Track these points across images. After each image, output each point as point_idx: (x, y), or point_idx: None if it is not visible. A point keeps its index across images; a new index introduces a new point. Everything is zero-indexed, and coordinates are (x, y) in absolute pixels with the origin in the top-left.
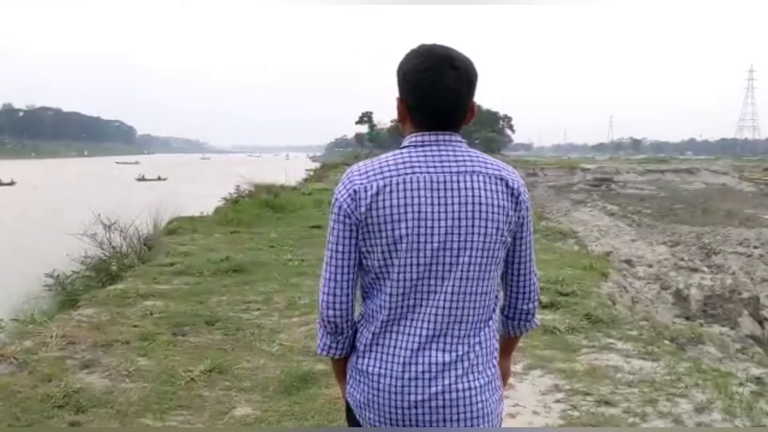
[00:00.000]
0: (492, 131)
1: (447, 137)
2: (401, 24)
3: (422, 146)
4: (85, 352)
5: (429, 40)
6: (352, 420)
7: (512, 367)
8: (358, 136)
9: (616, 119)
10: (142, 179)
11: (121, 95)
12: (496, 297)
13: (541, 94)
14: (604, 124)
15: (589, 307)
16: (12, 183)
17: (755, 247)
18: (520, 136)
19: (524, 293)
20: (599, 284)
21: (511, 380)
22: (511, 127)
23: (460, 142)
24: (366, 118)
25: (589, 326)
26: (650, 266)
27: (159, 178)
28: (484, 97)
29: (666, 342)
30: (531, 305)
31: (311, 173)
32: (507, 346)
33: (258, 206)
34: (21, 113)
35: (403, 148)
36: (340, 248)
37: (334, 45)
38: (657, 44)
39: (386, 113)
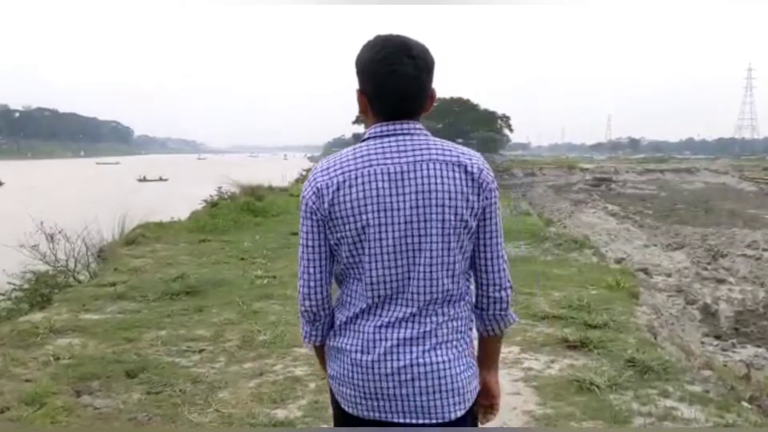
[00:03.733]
0: (490, 131)
1: (406, 126)
2: (402, 24)
3: (380, 137)
4: None
5: (427, 40)
6: (334, 408)
7: None
8: (356, 136)
9: (613, 119)
10: (143, 180)
11: (118, 96)
12: (468, 280)
13: (539, 93)
14: (601, 124)
15: (630, 346)
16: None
17: (764, 250)
18: (518, 135)
19: (494, 280)
20: (632, 309)
21: None
22: (509, 127)
23: (420, 130)
24: (363, 118)
25: (636, 378)
26: (669, 276)
27: (161, 179)
28: (482, 96)
29: (745, 404)
30: (503, 293)
31: (304, 173)
32: (488, 353)
33: (236, 210)
34: (17, 114)
35: (363, 141)
36: (310, 243)
37: (334, 45)
38: (655, 44)
39: None
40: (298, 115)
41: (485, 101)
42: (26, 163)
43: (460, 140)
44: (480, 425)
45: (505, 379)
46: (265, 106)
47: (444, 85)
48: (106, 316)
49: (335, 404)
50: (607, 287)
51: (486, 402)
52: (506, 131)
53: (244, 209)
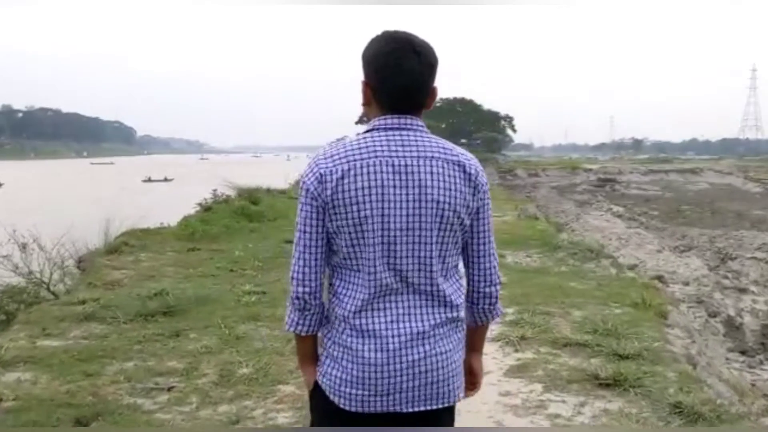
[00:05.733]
0: (493, 131)
1: (409, 122)
2: (402, 24)
3: (385, 130)
4: None
5: (430, 40)
6: (319, 405)
7: None
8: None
9: (616, 119)
10: (148, 180)
11: (121, 96)
12: (459, 273)
13: (542, 93)
14: (604, 124)
15: (670, 383)
16: None
17: None
18: (521, 136)
19: (484, 276)
20: (663, 332)
21: None
22: (512, 127)
23: (422, 126)
24: (365, 118)
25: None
26: (687, 284)
27: (166, 179)
28: (484, 96)
29: None
30: (493, 288)
31: None
32: (475, 340)
33: (230, 215)
34: (20, 114)
35: (368, 132)
36: (308, 229)
37: (334, 45)
38: (658, 44)
39: None
40: (301, 115)
41: (488, 101)
42: (29, 163)
43: (463, 140)
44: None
45: None
46: (269, 106)
47: (447, 84)
48: (67, 343)
49: (325, 402)
50: (632, 305)
51: (471, 380)
52: (509, 131)
53: (238, 213)
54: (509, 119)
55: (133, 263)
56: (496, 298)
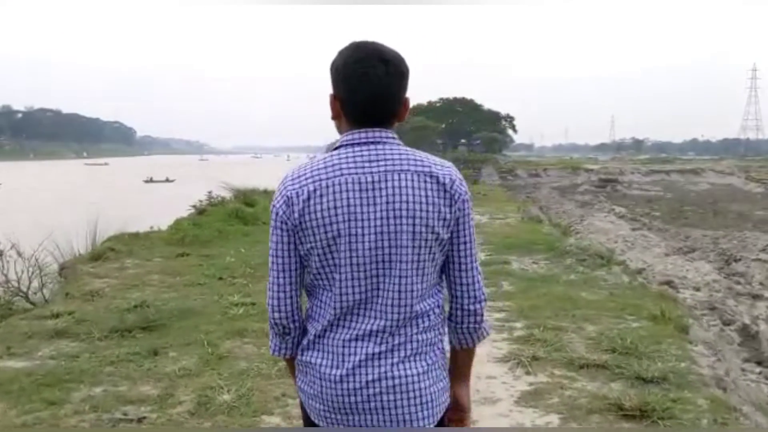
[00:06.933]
0: (494, 131)
1: (378, 135)
2: (403, 24)
3: (352, 146)
4: None
5: (431, 40)
6: (303, 417)
7: None
8: None
9: (617, 119)
10: (150, 181)
11: (121, 97)
12: (440, 291)
13: (542, 92)
14: (605, 124)
15: (702, 413)
16: None
17: None
18: (521, 136)
19: (467, 293)
20: (686, 350)
21: None
22: (513, 127)
23: (393, 138)
24: (336, 124)
25: None
26: (698, 290)
27: (167, 180)
28: (484, 95)
29: None
30: (477, 305)
31: None
32: (460, 366)
33: (223, 218)
34: (20, 114)
35: (335, 149)
36: (279, 253)
37: (336, 45)
38: (659, 43)
39: None
40: (301, 116)
41: (489, 101)
42: (28, 164)
43: (463, 140)
44: None
45: None
46: (269, 107)
47: (447, 85)
48: (33, 364)
49: (305, 415)
50: (650, 318)
51: (455, 416)
52: (510, 132)
53: (232, 216)
54: (510, 119)
55: (117, 270)
56: (482, 316)
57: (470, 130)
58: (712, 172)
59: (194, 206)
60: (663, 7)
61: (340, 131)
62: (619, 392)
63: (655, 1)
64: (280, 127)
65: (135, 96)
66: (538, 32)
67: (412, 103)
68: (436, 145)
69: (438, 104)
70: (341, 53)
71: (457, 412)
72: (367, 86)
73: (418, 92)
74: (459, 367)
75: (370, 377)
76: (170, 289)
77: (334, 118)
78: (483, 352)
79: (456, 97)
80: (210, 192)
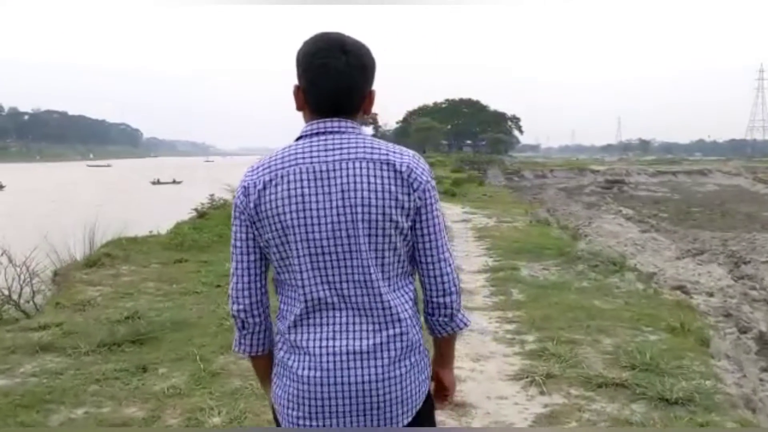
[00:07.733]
0: (499, 132)
1: (337, 124)
2: (404, 24)
3: (311, 136)
4: None
5: (434, 40)
6: (275, 424)
7: None
8: None
9: (623, 120)
10: (157, 183)
11: (127, 99)
12: (411, 282)
13: (548, 93)
14: (611, 125)
15: None
16: (1, 187)
17: None
18: (527, 137)
19: (436, 285)
20: (710, 366)
21: None
22: (519, 128)
23: (352, 128)
24: (371, 120)
25: None
26: (711, 295)
27: (174, 181)
28: (490, 97)
29: None
30: (447, 298)
31: None
32: (442, 353)
33: (225, 221)
34: (26, 116)
35: (296, 140)
36: (239, 244)
37: None
38: (665, 44)
39: (389, 114)
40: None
41: (495, 103)
42: (34, 165)
43: (469, 141)
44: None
45: None
46: (274, 107)
47: (453, 86)
48: (13, 382)
49: (277, 422)
50: (668, 329)
51: (440, 395)
52: (516, 132)
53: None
54: (516, 120)
55: (112, 278)
56: (453, 309)
57: (476, 131)
58: (719, 173)
59: (196, 209)
60: (671, 10)
61: (306, 121)
62: (641, 415)
63: (663, 4)
64: (286, 129)
65: (141, 98)
66: (547, 34)
67: (417, 104)
68: (442, 146)
69: (443, 105)
70: (305, 43)
71: (442, 390)
72: (327, 77)
73: (424, 93)
74: (441, 354)
75: (351, 378)
76: (165, 298)
77: (299, 109)
78: (494, 369)
79: (462, 98)
80: (212, 195)
